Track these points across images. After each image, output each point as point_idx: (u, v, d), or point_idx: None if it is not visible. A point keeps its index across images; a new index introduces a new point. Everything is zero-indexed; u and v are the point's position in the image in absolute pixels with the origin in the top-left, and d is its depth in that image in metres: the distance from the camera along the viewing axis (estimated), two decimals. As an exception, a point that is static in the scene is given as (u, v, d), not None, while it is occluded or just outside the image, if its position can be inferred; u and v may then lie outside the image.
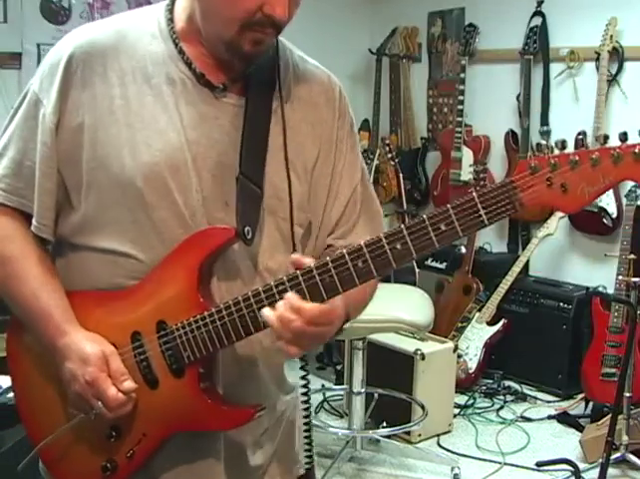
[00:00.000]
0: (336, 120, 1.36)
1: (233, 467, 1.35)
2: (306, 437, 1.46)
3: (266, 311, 1.15)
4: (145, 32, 1.29)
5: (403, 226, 1.12)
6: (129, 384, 1.24)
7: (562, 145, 1.08)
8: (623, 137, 1.05)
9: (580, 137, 4.00)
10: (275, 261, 1.26)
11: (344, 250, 1.14)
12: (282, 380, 1.44)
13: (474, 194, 1.08)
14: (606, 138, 1.07)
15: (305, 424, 1.46)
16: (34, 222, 1.30)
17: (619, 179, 1.05)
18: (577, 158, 1.05)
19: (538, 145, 1.11)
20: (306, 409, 1.45)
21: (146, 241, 1.25)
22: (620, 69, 3.97)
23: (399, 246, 1.11)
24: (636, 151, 1.03)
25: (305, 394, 1.42)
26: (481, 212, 1.08)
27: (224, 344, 1.21)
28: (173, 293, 1.23)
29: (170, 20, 1.29)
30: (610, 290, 3.85)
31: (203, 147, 1.25)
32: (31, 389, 1.37)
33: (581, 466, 3.28)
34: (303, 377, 1.43)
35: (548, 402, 4.06)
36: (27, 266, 1.30)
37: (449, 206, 1.09)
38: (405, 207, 4.64)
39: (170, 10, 1.30)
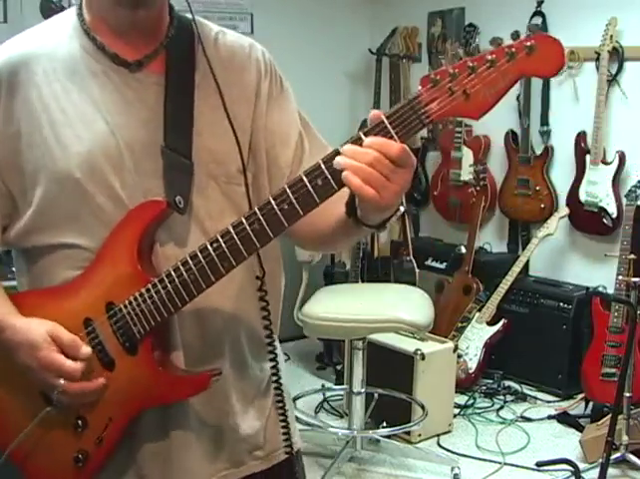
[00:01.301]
0: (263, 78, 1.40)
1: (209, 439, 1.36)
2: (281, 414, 1.42)
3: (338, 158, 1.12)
4: (62, 33, 1.34)
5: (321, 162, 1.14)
6: (85, 349, 1.25)
7: (460, 57, 1.10)
8: (499, 40, 1.12)
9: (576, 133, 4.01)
10: (223, 225, 1.23)
11: (269, 198, 1.16)
12: (258, 346, 1.41)
13: (382, 117, 1.10)
14: (500, 41, 1.10)
15: (278, 402, 1.42)
16: None
17: (517, 76, 1.06)
18: (475, 63, 1.07)
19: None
20: (276, 382, 1.40)
21: (89, 230, 1.28)
22: (620, 69, 3.97)
23: (319, 182, 1.13)
24: (528, 44, 1.04)
25: (273, 359, 1.39)
26: (392, 132, 1.09)
27: (170, 311, 1.23)
28: (117, 273, 1.26)
29: (81, 15, 1.34)
30: (610, 290, 3.85)
31: (132, 129, 1.29)
32: None
33: (581, 466, 3.29)
34: (270, 343, 1.38)
35: (548, 402, 4.06)
36: None
37: (360, 133, 1.11)
38: (405, 206, 4.63)
39: (80, 6, 1.36)
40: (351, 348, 3.42)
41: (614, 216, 3.94)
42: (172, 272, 1.22)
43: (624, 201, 3.74)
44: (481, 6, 4.60)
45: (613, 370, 3.59)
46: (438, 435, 3.66)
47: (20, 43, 1.35)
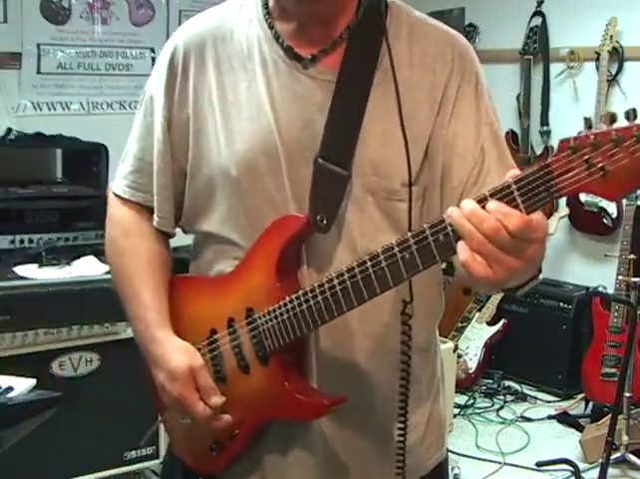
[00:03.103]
0: (453, 79, 1.24)
1: (328, 464, 1.29)
2: (400, 442, 1.26)
3: (451, 208, 0.98)
4: (244, 17, 1.29)
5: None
6: (216, 400, 1.23)
7: (611, 118, 0.92)
8: (632, 115, 0.90)
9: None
10: (379, 244, 1.10)
11: (425, 225, 1.04)
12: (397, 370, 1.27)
13: (509, 179, 0.95)
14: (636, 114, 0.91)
15: (400, 422, 1.25)
16: (155, 216, 1.35)
17: None
18: (620, 134, 0.88)
19: (586, 120, 0.95)
20: (403, 401, 1.25)
21: (242, 228, 1.25)
22: (620, 69, 3.98)
23: (441, 239, 1.02)
24: None
25: (403, 386, 1.24)
26: (518, 200, 0.95)
27: (298, 334, 1.18)
28: (257, 281, 1.22)
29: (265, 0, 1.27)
30: (610, 290, 3.85)
31: (296, 129, 1.21)
32: None
33: (581, 466, 3.29)
34: (403, 369, 1.24)
35: (548, 402, 4.06)
36: (134, 264, 1.34)
37: (486, 192, 0.97)
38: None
39: None
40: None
41: (614, 216, 3.94)
42: (303, 295, 1.16)
43: (624, 201, 3.74)
44: (481, 6, 4.60)
45: (613, 370, 3.59)
46: (438, 435, 3.66)
47: (200, 23, 1.32)
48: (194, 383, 1.24)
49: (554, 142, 4.29)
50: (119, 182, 1.39)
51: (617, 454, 3.17)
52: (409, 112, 1.20)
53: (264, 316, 1.21)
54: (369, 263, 1.08)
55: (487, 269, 0.95)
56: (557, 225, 4.11)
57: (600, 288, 4.04)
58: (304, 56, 1.22)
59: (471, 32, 4.51)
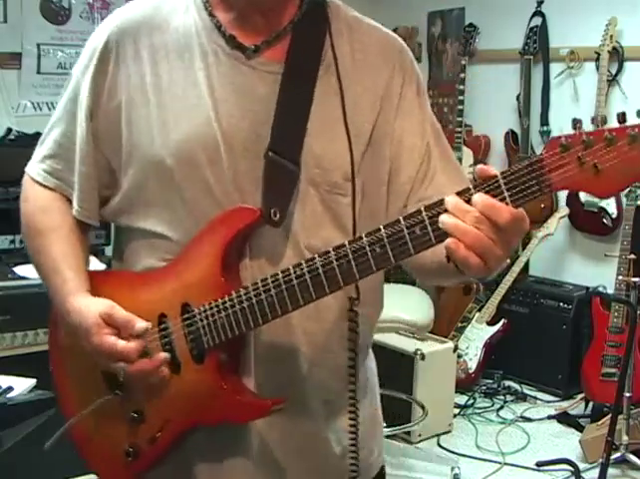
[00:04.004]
0: (396, 78, 1.26)
1: (265, 466, 1.25)
2: (352, 446, 1.26)
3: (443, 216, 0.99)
4: (180, 4, 1.25)
5: (423, 208, 1.02)
6: (140, 325, 1.18)
7: (603, 120, 0.95)
8: (622, 118, 0.94)
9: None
10: (319, 238, 1.14)
11: (381, 228, 1.04)
12: (341, 371, 1.26)
13: (498, 175, 0.97)
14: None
15: (352, 426, 1.25)
16: (74, 205, 1.30)
17: None
18: (614, 134, 0.91)
19: (574, 120, 0.98)
20: (352, 405, 1.25)
21: (179, 222, 1.21)
22: (620, 69, 3.98)
23: (417, 232, 1.02)
24: None
25: (352, 383, 1.24)
26: (505, 194, 0.96)
27: (242, 330, 1.15)
28: (198, 275, 1.18)
29: None
30: (610, 290, 3.85)
31: (235, 119, 1.18)
32: (65, 367, 1.36)
33: (581, 466, 3.29)
34: (351, 366, 1.24)
35: (548, 402, 4.07)
36: (53, 241, 1.29)
37: (470, 186, 0.98)
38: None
39: None
40: (351, 348, 3.41)
41: (614, 216, 3.94)
42: (252, 289, 1.13)
43: (624, 201, 3.74)
44: (482, 6, 4.60)
45: (613, 370, 3.59)
46: (438, 435, 3.66)
47: (135, 10, 1.27)
48: (109, 329, 1.19)
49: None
50: (34, 164, 1.34)
51: (617, 454, 3.17)
52: (351, 106, 1.21)
53: (204, 312, 1.17)
54: (333, 257, 1.06)
55: (480, 263, 0.98)
56: (557, 225, 4.11)
57: (600, 288, 4.04)
58: (247, 46, 1.20)
59: (471, 32, 4.51)
